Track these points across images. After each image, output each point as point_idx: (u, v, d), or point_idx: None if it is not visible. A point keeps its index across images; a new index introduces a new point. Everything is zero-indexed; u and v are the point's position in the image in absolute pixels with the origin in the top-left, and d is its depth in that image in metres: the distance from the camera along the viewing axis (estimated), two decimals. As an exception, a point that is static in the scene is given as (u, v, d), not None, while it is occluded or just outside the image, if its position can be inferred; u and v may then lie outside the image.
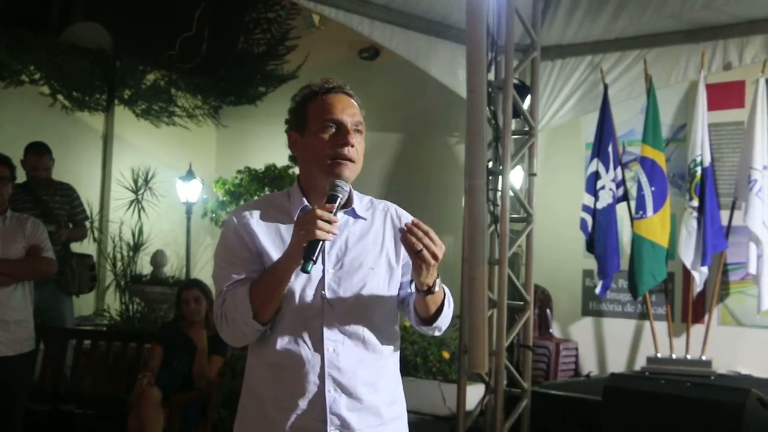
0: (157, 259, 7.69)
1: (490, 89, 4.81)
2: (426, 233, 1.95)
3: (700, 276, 5.55)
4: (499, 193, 4.89)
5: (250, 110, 8.20)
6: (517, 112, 5.06)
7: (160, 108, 7.77)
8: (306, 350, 2.03)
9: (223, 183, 7.71)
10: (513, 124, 5.05)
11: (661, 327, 5.86)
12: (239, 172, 7.67)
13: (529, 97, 5.29)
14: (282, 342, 2.04)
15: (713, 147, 5.71)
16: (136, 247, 7.85)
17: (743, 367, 5.68)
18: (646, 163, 5.63)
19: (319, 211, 1.92)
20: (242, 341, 2.08)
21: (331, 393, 2.03)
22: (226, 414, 5.03)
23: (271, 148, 7.80)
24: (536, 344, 5.81)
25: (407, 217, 2.22)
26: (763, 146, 5.39)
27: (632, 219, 5.69)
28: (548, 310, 6.54)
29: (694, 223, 5.51)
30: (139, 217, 7.97)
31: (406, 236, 1.95)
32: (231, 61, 8.05)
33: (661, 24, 5.35)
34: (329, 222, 1.92)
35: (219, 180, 7.80)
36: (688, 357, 5.66)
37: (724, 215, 5.62)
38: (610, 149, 5.71)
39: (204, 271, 8.11)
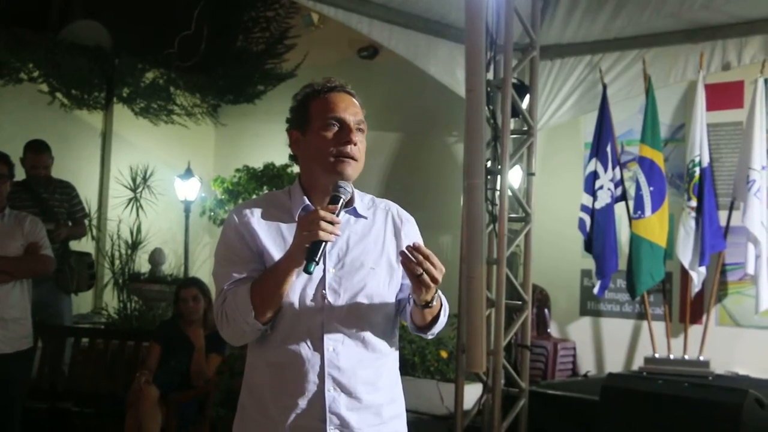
0: (156, 257, 7.69)
1: (489, 89, 4.81)
2: (426, 257, 1.95)
3: (698, 276, 5.55)
4: (497, 193, 4.89)
5: (249, 109, 8.20)
6: (515, 112, 5.06)
7: (158, 106, 7.77)
8: (306, 349, 2.03)
9: (221, 181, 7.71)
10: (512, 124, 5.04)
11: (659, 327, 5.87)
12: (238, 170, 7.67)
13: (528, 97, 5.29)
14: (282, 341, 2.04)
15: (712, 147, 5.72)
16: (135, 245, 7.85)
17: (741, 367, 5.69)
18: (644, 163, 5.63)
19: (322, 212, 1.92)
20: (242, 340, 2.08)
21: (331, 392, 2.03)
22: (224, 412, 5.03)
23: (269, 146, 7.80)
24: (534, 344, 5.81)
25: (408, 217, 2.22)
26: (762, 146, 5.39)
27: (630, 219, 5.69)
28: (546, 310, 6.54)
29: (693, 223, 5.52)
30: (138, 215, 7.97)
31: (406, 260, 1.95)
32: (230, 60, 8.05)
33: (660, 24, 5.35)
34: (332, 223, 1.92)
35: (217, 178, 7.80)
36: (686, 357, 5.67)
37: (723, 215, 5.63)
38: (608, 149, 5.71)
39: (202, 270, 8.11)
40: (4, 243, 4.19)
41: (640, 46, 5.62)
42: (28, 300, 4.30)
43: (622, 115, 6.15)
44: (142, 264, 7.85)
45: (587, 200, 5.75)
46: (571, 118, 6.09)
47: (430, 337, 2.21)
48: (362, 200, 2.16)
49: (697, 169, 5.54)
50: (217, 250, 2.14)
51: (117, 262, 7.72)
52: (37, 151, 5.75)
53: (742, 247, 5.49)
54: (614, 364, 6.24)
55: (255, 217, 2.10)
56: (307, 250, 1.91)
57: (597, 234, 5.67)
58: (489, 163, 4.92)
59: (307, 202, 2.10)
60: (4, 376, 4.14)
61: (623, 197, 5.77)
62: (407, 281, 2.15)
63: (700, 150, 5.55)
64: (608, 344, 6.45)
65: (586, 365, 6.42)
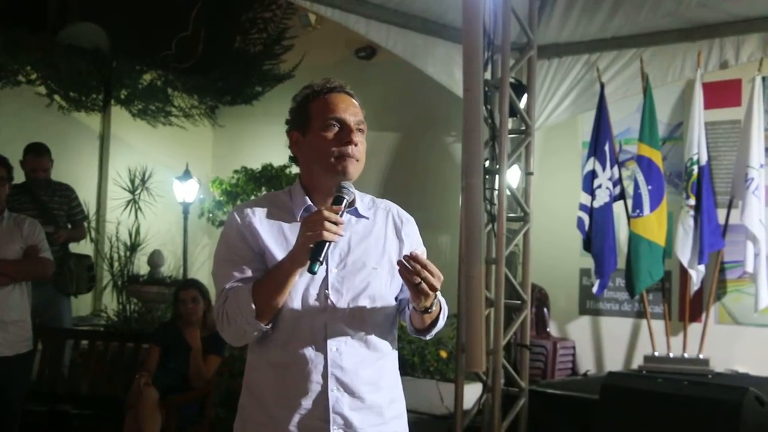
0: (154, 259, 7.69)
1: (486, 88, 4.81)
2: (424, 266, 1.95)
3: (697, 274, 5.56)
4: (496, 192, 4.90)
5: (247, 110, 8.19)
6: (513, 111, 5.06)
7: (156, 108, 7.76)
8: (309, 350, 2.03)
9: (219, 183, 7.70)
10: (510, 123, 5.05)
11: (659, 325, 5.87)
12: (236, 171, 7.67)
13: (525, 96, 5.29)
14: (285, 341, 2.04)
15: (710, 145, 5.72)
16: (133, 247, 7.84)
17: (740, 365, 5.69)
18: (642, 161, 5.64)
19: (326, 213, 1.92)
20: (243, 340, 2.07)
21: (334, 392, 2.04)
22: (224, 413, 5.03)
23: (267, 147, 7.80)
24: (533, 343, 5.81)
25: (408, 218, 2.23)
26: (760, 144, 5.40)
27: (629, 218, 5.69)
28: (545, 309, 6.54)
29: (691, 222, 5.52)
30: (136, 217, 7.96)
31: (403, 270, 1.96)
32: (227, 61, 8.04)
33: (658, 23, 5.35)
34: (336, 223, 1.92)
35: (216, 180, 7.80)
36: (686, 356, 5.67)
37: (721, 214, 5.63)
38: (606, 148, 5.71)
39: (201, 271, 8.10)
40: (4, 246, 4.19)
41: (637, 45, 5.62)
42: (27, 302, 4.31)
43: (620, 114, 6.15)
44: (141, 266, 7.84)
45: (586, 199, 5.75)
46: (568, 118, 6.09)
47: (428, 338, 2.22)
48: (363, 201, 2.16)
49: (696, 168, 5.54)
50: (217, 250, 2.14)
51: (116, 264, 7.71)
52: (38, 154, 5.76)
53: (740, 245, 5.49)
54: (614, 363, 6.24)
55: (257, 217, 2.10)
56: (312, 250, 1.91)
57: (596, 233, 5.68)
58: (487, 163, 4.92)
59: (309, 202, 2.11)
60: (4, 378, 4.14)
61: (622, 196, 5.78)
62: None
63: (698, 148, 5.55)
64: (608, 343, 6.46)
65: (586, 364, 6.43)
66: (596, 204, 5.70)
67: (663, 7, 5.12)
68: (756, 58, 5.29)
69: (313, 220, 1.93)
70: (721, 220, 5.62)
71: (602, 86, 5.72)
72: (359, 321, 2.07)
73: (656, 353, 5.73)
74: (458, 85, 5.10)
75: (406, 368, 5.98)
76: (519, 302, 5.07)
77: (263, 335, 2.05)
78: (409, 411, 2.25)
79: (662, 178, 5.64)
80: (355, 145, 2.07)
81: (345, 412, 2.04)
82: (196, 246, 8.50)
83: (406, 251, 2.15)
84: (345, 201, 2.01)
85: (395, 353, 2.19)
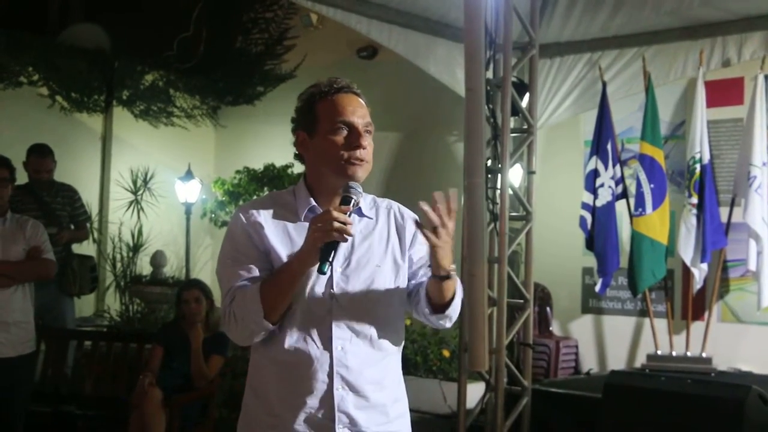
0: (157, 259, 7.69)
1: (488, 87, 4.81)
2: (443, 214, 1.97)
3: (699, 273, 5.55)
4: (498, 192, 4.89)
5: (249, 110, 8.20)
6: (515, 110, 5.06)
7: (158, 108, 7.77)
8: (315, 348, 2.04)
9: (222, 183, 7.71)
10: (512, 122, 5.05)
11: (661, 324, 5.86)
12: (238, 172, 7.67)
13: (527, 95, 5.28)
14: (291, 340, 2.04)
15: (712, 144, 5.71)
16: (136, 247, 7.86)
17: (743, 364, 5.68)
18: (645, 160, 5.63)
19: (335, 213, 1.92)
20: (250, 340, 2.07)
21: (340, 391, 2.04)
22: (227, 413, 5.04)
23: (269, 147, 7.80)
24: (536, 342, 5.81)
25: (410, 214, 2.23)
26: (763, 143, 5.39)
27: (631, 216, 5.69)
28: (548, 308, 6.54)
29: (694, 220, 5.51)
30: (139, 217, 7.97)
31: (426, 222, 1.96)
32: (229, 61, 8.04)
33: (660, 21, 5.35)
34: (345, 223, 1.92)
35: (218, 180, 7.80)
36: (689, 354, 5.67)
37: (724, 212, 5.62)
38: (609, 147, 5.71)
39: (203, 272, 8.11)
40: (7, 247, 4.20)
41: (639, 43, 5.61)
42: (30, 303, 4.31)
43: (622, 113, 6.14)
44: (143, 266, 7.85)
45: (588, 198, 5.75)
46: (570, 116, 6.09)
47: (447, 324, 2.17)
48: (365, 200, 2.16)
49: (698, 166, 5.53)
50: (222, 249, 2.13)
51: (119, 264, 7.72)
52: (41, 155, 5.77)
53: (743, 243, 5.48)
54: (616, 362, 6.24)
55: (262, 217, 2.10)
56: (321, 250, 1.91)
57: (598, 232, 5.67)
58: (489, 162, 4.92)
59: (314, 202, 2.11)
60: (7, 379, 4.15)
61: (624, 195, 5.77)
62: (412, 270, 2.17)
63: (700, 147, 5.55)
64: (610, 342, 6.45)
65: (589, 363, 6.42)
66: (599, 203, 5.69)
67: (665, 6, 5.12)
68: (758, 56, 5.29)
69: (322, 220, 1.93)
70: (724, 219, 5.61)
71: (604, 85, 5.71)
72: (364, 319, 2.07)
73: (659, 352, 5.72)
74: (460, 85, 5.11)
75: (408, 367, 5.98)
76: (521, 301, 5.07)
77: (269, 335, 2.05)
78: (411, 410, 2.25)
79: (664, 176, 5.63)
80: (364, 148, 2.07)
81: (350, 411, 2.05)
82: (199, 246, 8.51)
83: (406, 246, 2.16)
84: (353, 201, 2.01)
85: (399, 353, 2.19)
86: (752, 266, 5.41)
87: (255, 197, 7.10)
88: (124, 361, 5.35)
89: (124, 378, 5.25)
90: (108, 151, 8.25)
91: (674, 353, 5.69)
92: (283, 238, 2.08)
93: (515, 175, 5.75)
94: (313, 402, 2.03)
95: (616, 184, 5.73)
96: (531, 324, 5.14)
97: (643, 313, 6.11)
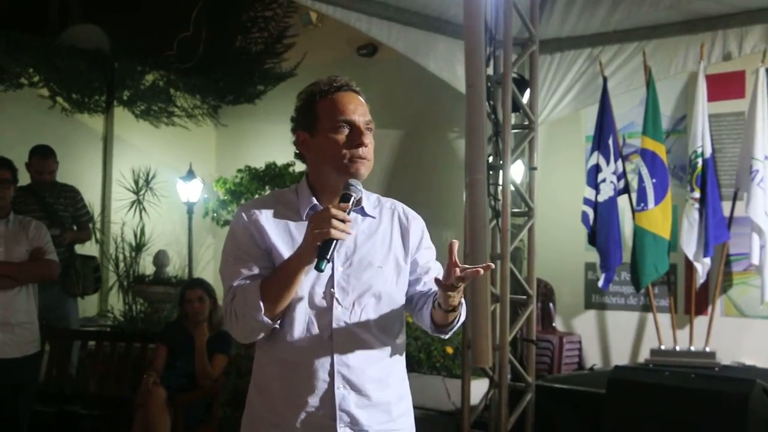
0: (160, 259, 7.71)
1: (489, 84, 4.80)
2: (464, 278, 1.95)
3: (702, 267, 5.55)
4: (499, 188, 4.89)
5: (249, 109, 8.21)
6: (516, 107, 5.05)
7: (159, 108, 7.78)
8: (316, 348, 2.04)
9: (223, 182, 7.72)
10: (512, 119, 5.04)
11: (665, 319, 5.86)
12: (239, 171, 7.68)
13: (528, 91, 5.28)
14: (292, 339, 2.04)
15: (714, 138, 5.71)
16: (138, 247, 7.87)
17: (747, 357, 5.68)
18: (646, 155, 5.62)
19: (334, 210, 1.92)
20: (251, 338, 2.07)
21: (341, 390, 2.04)
22: (231, 412, 5.05)
23: (270, 146, 7.81)
24: (539, 338, 5.81)
25: (414, 216, 2.22)
26: (764, 136, 5.37)
27: (634, 211, 5.69)
28: (551, 304, 6.54)
29: (696, 215, 5.51)
30: (141, 217, 7.98)
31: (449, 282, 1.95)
32: (229, 61, 8.05)
33: (660, 15, 5.34)
34: (344, 221, 1.91)
35: (219, 179, 7.81)
36: (692, 348, 5.67)
37: (726, 206, 5.62)
38: (610, 142, 5.71)
39: (206, 271, 8.12)
40: (10, 248, 4.21)
41: (639, 38, 5.60)
42: (34, 304, 4.32)
43: (624, 108, 6.14)
44: (146, 266, 7.86)
45: (590, 193, 5.74)
46: (571, 112, 6.08)
47: (448, 335, 2.21)
48: (368, 199, 2.16)
49: (700, 160, 5.53)
50: (224, 247, 2.13)
51: (121, 264, 7.73)
52: (43, 156, 5.78)
53: (746, 237, 5.48)
54: (620, 357, 6.24)
55: (264, 215, 2.10)
56: (319, 248, 1.91)
57: (600, 227, 5.67)
58: (490, 159, 4.92)
59: (315, 201, 2.10)
60: (12, 380, 4.16)
61: (626, 190, 5.77)
62: (414, 277, 2.17)
63: (702, 141, 5.54)
64: (614, 337, 6.45)
65: (592, 358, 6.43)
66: (600, 198, 5.69)
67: (664, 0, 5.11)
68: (759, 49, 5.28)
69: (321, 218, 1.92)
70: (726, 213, 5.61)
71: (605, 80, 5.71)
72: (365, 319, 2.07)
73: (662, 347, 5.72)
74: (460, 81, 5.10)
75: (412, 364, 5.99)
76: (524, 297, 5.07)
77: (271, 333, 2.05)
78: (415, 407, 2.25)
79: (666, 171, 5.63)
80: (366, 146, 2.07)
81: (351, 410, 2.05)
82: (201, 245, 8.52)
83: (410, 249, 2.16)
84: (353, 199, 2.00)
85: (402, 351, 2.19)
86: (755, 260, 5.41)
87: (257, 196, 7.12)
88: (128, 361, 5.35)
89: (128, 377, 5.25)
90: (109, 152, 8.26)
91: (678, 348, 5.69)
92: (285, 236, 2.08)
93: (517, 171, 5.74)
94: (314, 401, 2.03)
95: (618, 179, 5.73)
96: (534, 320, 5.15)
97: (646, 308, 6.11)
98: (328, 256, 1.91)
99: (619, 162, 5.75)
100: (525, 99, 5.21)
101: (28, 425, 4.35)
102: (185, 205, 8.10)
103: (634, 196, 5.73)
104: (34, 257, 4.27)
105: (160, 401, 4.54)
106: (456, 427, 5.21)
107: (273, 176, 7.48)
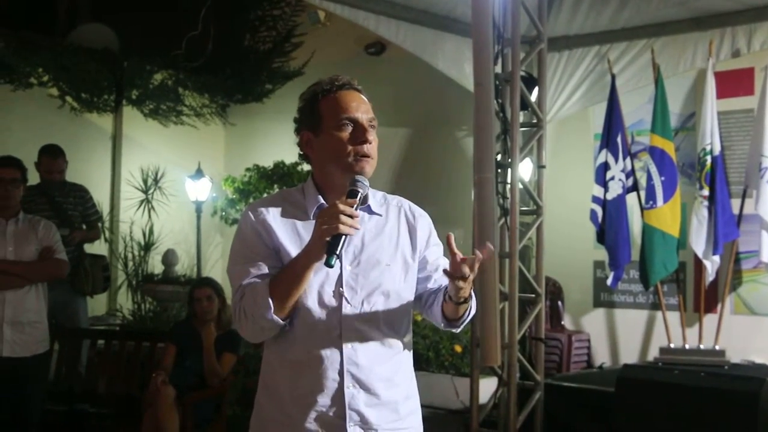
0: (169, 258, 7.72)
1: (497, 82, 4.80)
2: (472, 268, 1.97)
3: (711, 265, 5.53)
4: (508, 186, 4.89)
5: (258, 108, 8.21)
6: (524, 105, 5.05)
7: (167, 107, 7.78)
8: (325, 347, 2.04)
9: (232, 181, 7.72)
10: (521, 117, 5.04)
11: (674, 317, 5.84)
12: (248, 169, 7.69)
13: (536, 89, 5.27)
14: (301, 339, 2.05)
15: (723, 135, 5.68)
16: (147, 246, 7.88)
17: (757, 356, 5.66)
18: (655, 152, 5.61)
19: (341, 206, 1.92)
20: (260, 337, 2.08)
21: (350, 389, 2.04)
22: (240, 411, 5.06)
23: (279, 145, 7.81)
24: (548, 336, 5.80)
25: (421, 213, 2.23)
26: (774, 133, 5.35)
27: (642, 209, 5.67)
28: (560, 302, 6.53)
29: (705, 212, 5.49)
30: (150, 216, 8.00)
31: (455, 276, 1.97)
32: (237, 59, 8.05)
33: (668, 12, 5.32)
34: (351, 216, 1.92)
35: (228, 178, 7.82)
36: (702, 347, 5.64)
37: (735, 204, 5.59)
38: (619, 139, 5.69)
39: (215, 269, 8.13)
40: (19, 247, 4.23)
41: (648, 35, 5.59)
42: (44, 303, 4.34)
43: (632, 105, 6.12)
44: (155, 265, 7.88)
45: (598, 191, 5.73)
46: (580, 110, 6.07)
47: (458, 330, 2.22)
48: (375, 197, 2.16)
49: (709, 158, 5.50)
50: (232, 247, 2.14)
51: (130, 263, 7.75)
52: (52, 156, 5.80)
53: (755, 235, 5.46)
54: (629, 355, 6.22)
55: (271, 215, 2.10)
56: (328, 243, 1.92)
57: (609, 225, 5.66)
58: (499, 157, 4.91)
59: (322, 201, 2.11)
60: (22, 379, 4.18)
61: (635, 188, 5.75)
62: (423, 275, 2.18)
63: (711, 138, 5.52)
64: (623, 335, 6.44)
65: (601, 357, 6.41)
66: (609, 196, 5.67)
67: (673, -3, 5.10)
68: (768, 46, 5.26)
69: (328, 214, 1.93)
70: (736, 210, 5.58)
71: (613, 77, 5.69)
72: (374, 318, 2.08)
73: (672, 345, 5.69)
74: (468, 80, 5.10)
75: (420, 363, 5.99)
76: (533, 296, 5.06)
77: (280, 333, 2.06)
78: (424, 406, 2.25)
79: (675, 168, 5.61)
80: (370, 143, 2.07)
81: (361, 409, 2.05)
82: (210, 244, 8.53)
83: (418, 247, 2.16)
84: (360, 194, 2.01)
85: (410, 349, 2.19)
86: (765, 258, 5.39)
87: (265, 195, 7.12)
88: (136, 360, 5.37)
89: (137, 376, 5.27)
90: (118, 151, 8.28)
91: (687, 346, 5.67)
92: (293, 235, 2.09)
93: (525, 169, 5.74)
94: (323, 400, 2.04)
95: (627, 177, 5.71)
96: (543, 318, 5.14)
97: (656, 306, 6.09)
98: (338, 252, 1.91)
99: (628, 160, 5.73)
100: (533, 97, 5.20)
101: (38, 424, 4.36)
102: (194, 204, 8.12)
103: (642, 193, 5.71)
104: (43, 256, 4.29)
105: (168, 400, 4.55)
106: (465, 426, 5.21)
107: (281, 175, 7.48)
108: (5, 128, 7.21)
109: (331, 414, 2.04)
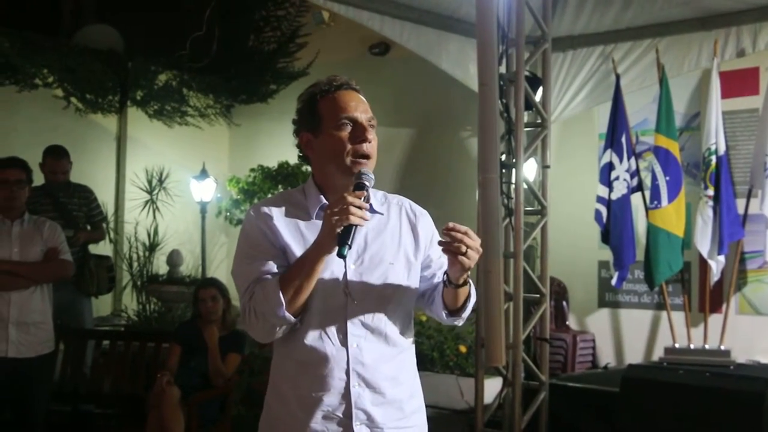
0: (173, 258, 7.73)
1: (501, 82, 4.80)
2: (465, 233, 1.98)
3: (716, 265, 5.52)
4: (512, 186, 4.89)
5: (262, 108, 8.22)
6: (529, 105, 5.05)
7: (172, 108, 7.79)
8: (331, 346, 2.05)
9: (236, 181, 7.74)
10: (525, 117, 5.04)
11: (679, 317, 5.84)
12: (252, 170, 7.70)
13: (541, 89, 5.27)
14: (308, 339, 2.05)
15: (728, 135, 5.68)
16: (152, 247, 7.89)
17: (763, 356, 5.65)
18: (659, 152, 5.60)
19: (350, 198, 1.94)
20: (271, 336, 2.07)
21: (356, 388, 2.05)
22: (245, 411, 5.06)
23: (283, 145, 7.81)
24: (553, 336, 5.80)
25: (422, 211, 2.24)
26: (779, 133, 5.34)
27: (647, 209, 5.66)
28: (564, 302, 6.53)
29: (710, 212, 5.48)
30: (154, 217, 8.01)
31: (449, 242, 1.97)
32: (242, 60, 8.06)
33: (673, 12, 5.32)
34: (360, 208, 1.93)
35: (232, 179, 7.84)
36: (707, 347, 5.63)
37: (740, 203, 5.59)
38: (623, 139, 5.68)
39: (219, 270, 8.15)
40: (24, 248, 4.23)
41: (652, 35, 5.58)
42: (49, 304, 4.35)
43: (637, 105, 6.12)
44: (160, 266, 7.89)
45: (603, 191, 5.72)
46: (584, 110, 6.06)
47: (459, 323, 2.23)
48: (375, 196, 2.17)
49: (714, 158, 5.50)
50: (238, 248, 2.14)
51: (135, 264, 7.76)
52: (57, 157, 5.81)
53: (761, 234, 5.45)
54: (634, 355, 6.22)
55: (275, 215, 2.11)
56: (339, 235, 1.93)
57: (614, 225, 5.65)
58: (503, 157, 4.91)
59: (324, 201, 2.11)
60: (27, 380, 4.18)
61: (639, 188, 5.74)
62: (427, 273, 2.18)
63: (716, 138, 5.51)
64: (627, 335, 6.43)
65: (606, 357, 6.41)
66: (614, 196, 5.66)
67: (678, -3, 5.09)
68: (773, 46, 5.25)
69: (338, 205, 1.94)
70: (741, 210, 5.58)
71: (618, 77, 5.68)
72: (378, 316, 2.08)
73: (677, 345, 5.68)
74: (473, 80, 5.09)
75: (425, 363, 5.99)
76: (538, 296, 5.06)
77: (287, 334, 2.06)
78: (429, 406, 2.25)
79: (680, 168, 5.60)
80: (369, 142, 2.08)
81: (367, 408, 2.06)
82: (214, 245, 8.54)
83: (421, 245, 2.16)
84: (367, 186, 2.02)
85: (413, 348, 2.20)
86: (770, 257, 5.38)
87: (269, 195, 7.13)
88: (141, 360, 5.38)
89: (142, 377, 5.27)
90: (123, 152, 8.30)
91: (692, 346, 5.65)
92: (297, 236, 2.09)
93: (529, 169, 5.74)
94: (330, 400, 2.04)
95: (631, 177, 5.70)
96: (547, 318, 5.14)
97: (660, 306, 6.09)
98: (350, 242, 1.92)
99: (633, 160, 5.72)
100: (538, 97, 5.20)
101: (42, 424, 4.37)
102: (198, 204, 8.13)
103: (647, 193, 5.70)
104: (48, 257, 4.30)
105: (173, 400, 4.56)
106: (469, 426, 5.21)
107: (286, 175, 7.49)
108: (10, 129, 7.23)
109: (338, 413, 2.05)
